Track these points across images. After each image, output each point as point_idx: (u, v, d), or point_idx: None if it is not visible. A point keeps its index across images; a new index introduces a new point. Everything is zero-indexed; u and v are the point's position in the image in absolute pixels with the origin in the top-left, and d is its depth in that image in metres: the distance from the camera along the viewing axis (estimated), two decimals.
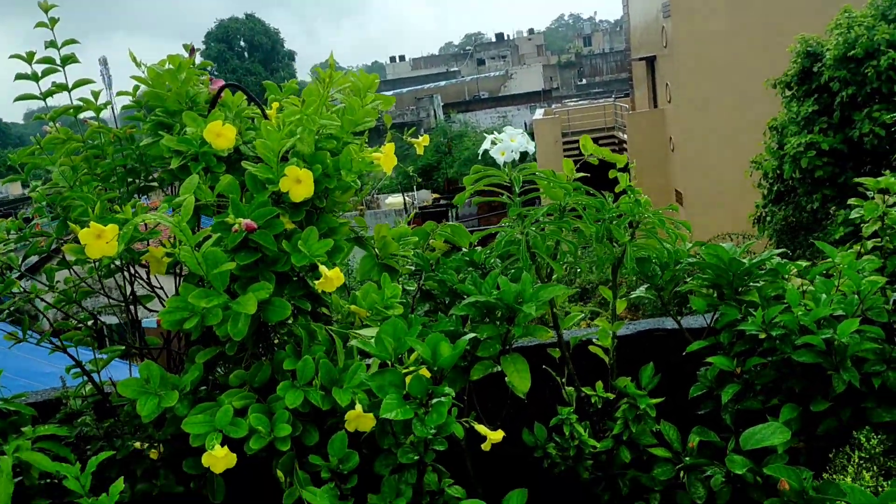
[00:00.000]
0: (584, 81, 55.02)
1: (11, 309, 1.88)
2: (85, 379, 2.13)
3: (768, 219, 10.45)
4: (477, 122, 39.16)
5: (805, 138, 9.49)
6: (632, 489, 2.13)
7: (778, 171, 10.18)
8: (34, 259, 2.25)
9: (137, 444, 1.85)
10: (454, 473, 2.09)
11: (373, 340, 1.75)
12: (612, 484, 2.17)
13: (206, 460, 1.67)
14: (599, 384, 2.10)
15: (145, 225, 2.01)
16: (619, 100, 25.68)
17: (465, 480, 2.49)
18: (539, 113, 26.71)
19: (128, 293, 2.20)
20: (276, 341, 2.09)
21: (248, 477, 2.19)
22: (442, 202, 29.51)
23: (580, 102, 31.31)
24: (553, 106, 30.97)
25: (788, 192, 10.25)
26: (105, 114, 2.20)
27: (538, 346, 2.46)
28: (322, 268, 1.81)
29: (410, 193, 29.05)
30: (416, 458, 1.67)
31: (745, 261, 2.04)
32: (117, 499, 1.26)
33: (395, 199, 28.01)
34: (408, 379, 1.64)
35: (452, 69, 63.69)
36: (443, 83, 53.02)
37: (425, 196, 31.46)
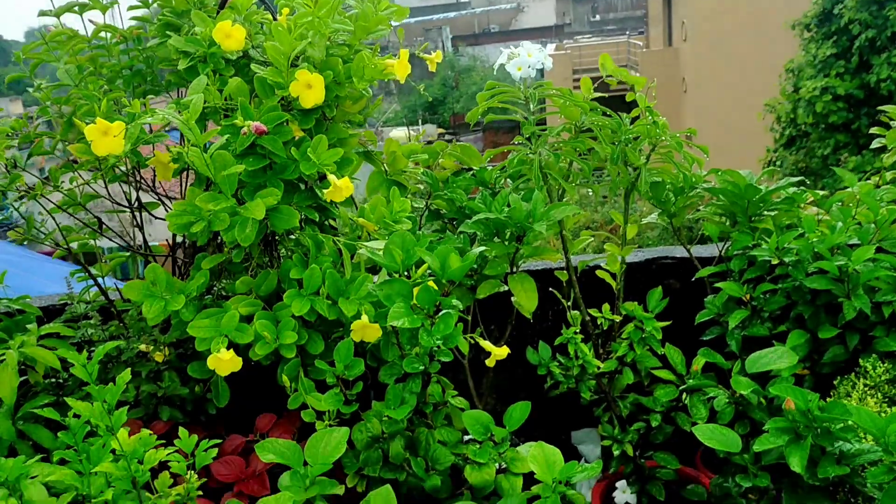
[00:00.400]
0: (598, 17, 53.61)
1: (17, 206, 1.86)
2: (90, 283, 2.13)
3: (779, 164, 10.34)
4: (486, 57, 38.36)
5: (821, 82, 9.32)
6: (631, 412, 2.15)
7: (791, 115, 10.03)
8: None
9: (143, 347, 1.85)
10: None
11: (381, 252, 1.73)
12: (611, 406, 2.18)
13: (211, 363, 1.68)
14: (606, 306, 2.09)
15: (150, 128, 1.97)
16: (633, 38, 25.12)
17: (468, 398, 2.51)
18: (550, 48, 26.09)
19: (133, 199, 2.18)
20: (282, 253, 2.08)
21: (253, 385, 2.21)
22: (447, 137, 29.22)
23: (593, 39, 30.63)
24: (564, 42, 30.30)
25: (801, 136, 10.12)
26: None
27: (545, 269, 2.45)
28: (331, 176, 1.78)
29: (415, 128, 28.70)
30: (421, 368, 1.67)
31: (761, 187, 2.01)
32: (123, 388, 1.26)
33: (400, 133, 27.66)
34: (416, 290, 1.63)
35: (463, 0, 62.13)
36: (452, 14, 51.76)
37: (431, 131, 31.06)
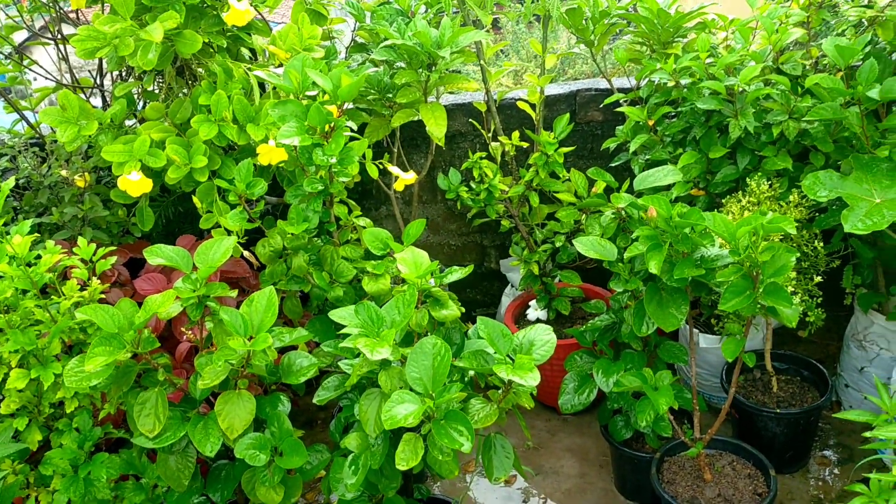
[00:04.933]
0: None
1: None
2: (17, 118, 2.19)
3: None
4: None
5: None
6: (547, 237, 2.25)
7: None
8: None
9: (64, 173, 1.93)
10: None
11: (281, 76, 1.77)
12: (523, 233, 2.28)
13: (121, 184, 1.76)
14: (515, 134, 2.14)
15: None
16: None
17: (396, 227, 2.62)
18: None
19: (56, 30, 2.20)
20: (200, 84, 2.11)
21: (179, 213, 2.31)
22: None
23: None
24: None
25: None
26: None
27: (470, 103, 2.48)
28: (231, 0, 1.79)
29: None
30: (320, 188, 1.74)
31: (671, 12, 2.00)
32: (7, 193, 1.34)
33: None
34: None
35: None
36: None
37: None
